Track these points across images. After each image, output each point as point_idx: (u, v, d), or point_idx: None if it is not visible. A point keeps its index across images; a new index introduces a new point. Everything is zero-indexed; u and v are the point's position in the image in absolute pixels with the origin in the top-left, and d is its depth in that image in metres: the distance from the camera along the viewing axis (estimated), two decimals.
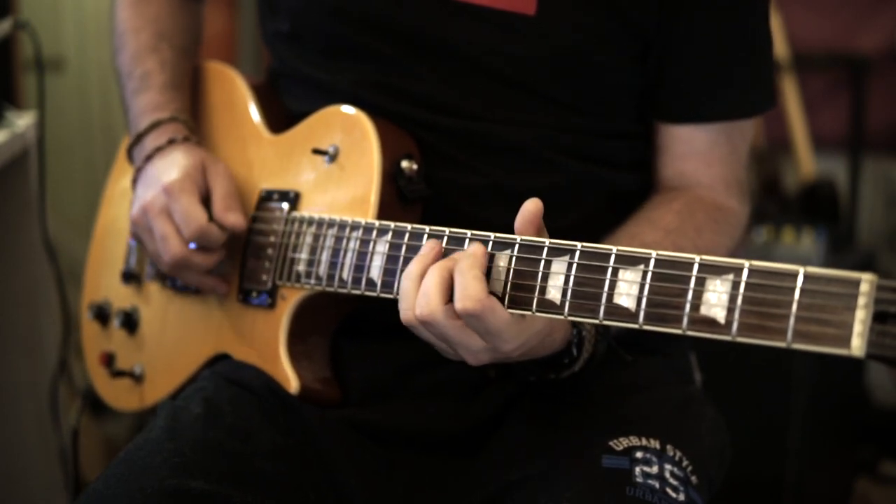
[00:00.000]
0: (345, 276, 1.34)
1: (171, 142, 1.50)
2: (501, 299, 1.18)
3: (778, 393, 2.77)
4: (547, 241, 1.17)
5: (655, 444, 1.32)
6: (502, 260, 1.19)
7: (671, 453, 1.32)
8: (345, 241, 1.35)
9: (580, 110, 1.45)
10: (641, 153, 1.53)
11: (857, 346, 0.98)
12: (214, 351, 1.52)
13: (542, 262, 1.17)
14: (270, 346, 1.43)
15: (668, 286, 1.09)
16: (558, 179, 1.45)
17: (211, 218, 1.44)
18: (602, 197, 1.47)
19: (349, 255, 1.34)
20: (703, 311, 1.06)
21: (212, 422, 1.37)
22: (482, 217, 1.22)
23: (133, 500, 1.26)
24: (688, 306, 1.07)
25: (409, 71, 1.44)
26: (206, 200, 1.45)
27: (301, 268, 1.40)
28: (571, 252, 1.16)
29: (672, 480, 1.29)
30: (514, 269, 1.19)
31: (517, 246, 1.19)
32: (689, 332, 1.07)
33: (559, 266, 1.16)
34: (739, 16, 1.44)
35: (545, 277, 1.16)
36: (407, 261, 1.27)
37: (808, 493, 2.82)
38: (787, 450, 2.77)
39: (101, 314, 1.68)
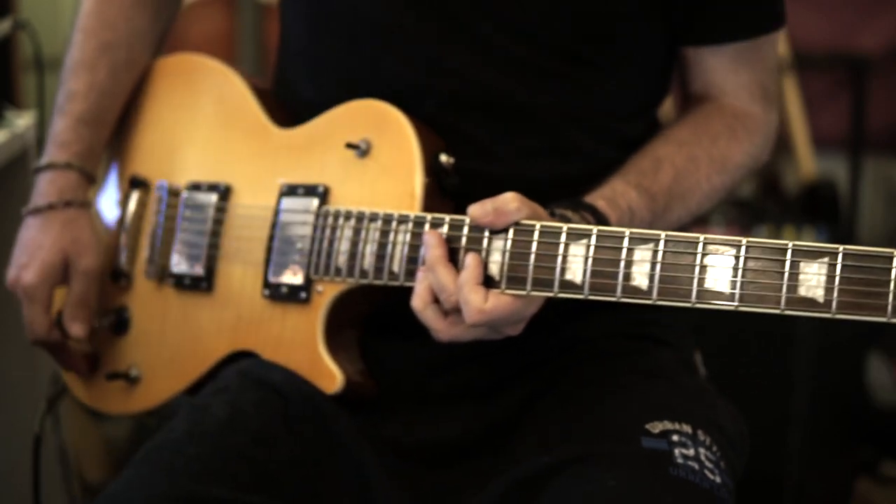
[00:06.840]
0: (395, 268, 1.35)
1: (51, 208, 1.54)
2: (525, 280, 1.26)
3: (778, 393, 2.76)
4: (565, 226, 1.25)
5: (688, 428, 1.33)
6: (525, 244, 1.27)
7: (702, 438, 1.33)
8: (392, 235, 1.36)
9: (605, 72, 1.44)
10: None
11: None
12: (230, 349, 1.50)
13: (562, 245, 1.25)
14: (306, 342, 1.42)
15: (676, 263, 1.20)
16: (580, 167, 1.45)
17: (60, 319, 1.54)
18: None
19: (398, 248, 1.35)
20: (708, 284, 1.18)
21: (236, 427, 1.36)
22: None
23: None
24: (694, 282, 1.18)
25: (439, 43, 1.42)
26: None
27: (341, 262, 1.39)
28: (589, 236, 1.24)
29: (708, 463, 1.30)
30: (538, 254, 1.26)
31: (537, 231, 1.26)
32: (697, 306, 1.18)
33: (577, 249, 1.24)
34: None
35: (564, 260, 1.25)
36: (455, 251, 1.30)
37: (808, 494, 2.82)
38: (788, 450, 2.77)
39: None
